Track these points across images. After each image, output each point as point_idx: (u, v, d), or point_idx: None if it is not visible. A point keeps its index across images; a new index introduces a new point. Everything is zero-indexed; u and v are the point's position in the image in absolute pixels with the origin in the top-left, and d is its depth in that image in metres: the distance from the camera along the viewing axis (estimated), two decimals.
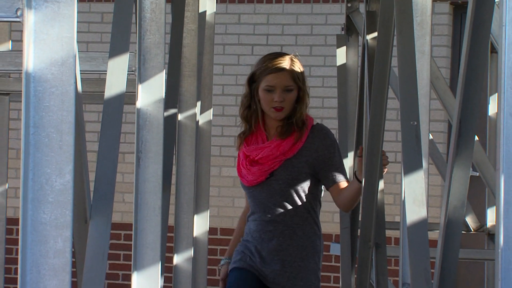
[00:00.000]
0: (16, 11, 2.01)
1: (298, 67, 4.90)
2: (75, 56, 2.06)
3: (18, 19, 2.02)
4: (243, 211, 5.44)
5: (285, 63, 4.83)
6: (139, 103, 3.63)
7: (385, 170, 5.09)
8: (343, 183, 4.99)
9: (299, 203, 4.95)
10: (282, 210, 4.94)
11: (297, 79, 4.83)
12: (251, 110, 4.91)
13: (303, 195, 4.97)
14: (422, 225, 3.47)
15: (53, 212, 2.03)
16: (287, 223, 4.95)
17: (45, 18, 2.01)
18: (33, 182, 2.02)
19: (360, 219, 5.48)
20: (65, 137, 2.03)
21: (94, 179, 3.55)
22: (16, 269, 7.25)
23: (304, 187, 4.96)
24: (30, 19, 2.00)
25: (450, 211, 3.27)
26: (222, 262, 5.36)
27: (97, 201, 3.48)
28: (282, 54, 5.00)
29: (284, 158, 4.90)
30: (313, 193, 5.04)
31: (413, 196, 3.53)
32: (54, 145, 2.03)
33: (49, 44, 2.02)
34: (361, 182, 4.97)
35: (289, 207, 4.95)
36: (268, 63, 4.83)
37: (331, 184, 5.00)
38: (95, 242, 3.46)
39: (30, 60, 2.00)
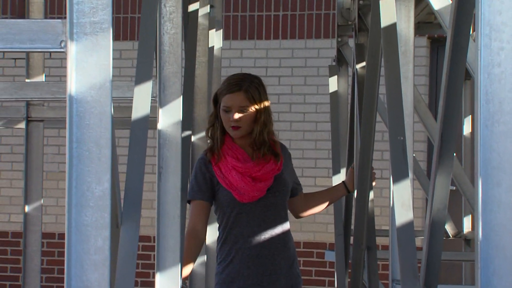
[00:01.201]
0: (60, 43, 2.03)
1: (255, 86, 4.51)
2: (111, 81, 2.10)
3: (62, 50, 2.02)
4: (194, 232, 4.54)
5: (241, 84, 4.48)
6: (160, 125, 3.68)
7: (374, 183, 5.01)
8: (302, 192, 4.84)
9: (285, 214, 4.66)
10: (276, 223, 4.57)
11: (251, 98, 4.46)
12: (214, 127, 4.58)
13: (285, 207, 4.68)
14: (409, 226, 3.51)
15: (93, 215, 2.05)
16: (279, 236, 4.58)
17: (85, 49, 2.02)
18: (76, 189, 2.03)
19: (352, 226, 5.48)
20: (103, 150, 2.04)
21: (123, 190, 3.62)
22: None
23: (286, 199, 4.67)
24: (72, 49, 2.01)
25: (434, 213, 3.29)
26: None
27: (127, 208, 3.51)
28: (240, 76, 4.70)
29: (274, 173, 4.55)
30: (286, 206, 4.72)
31: (401, 201, 3.56)
32: (94, 158, 2.04)
33: (88, 71, 2.03)
34: (349, 192, 4.86)
35: (280, 219, 4.60)
36: (226, 85, 4.54)
37: (298, 192, 4.78)
38: (126, 245, 3.48)
39: (73, 85, 2.01)
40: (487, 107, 2.25)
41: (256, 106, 4.47)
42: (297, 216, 4.94)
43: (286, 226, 4.59)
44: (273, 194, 4.52)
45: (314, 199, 4.92)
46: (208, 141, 4.68)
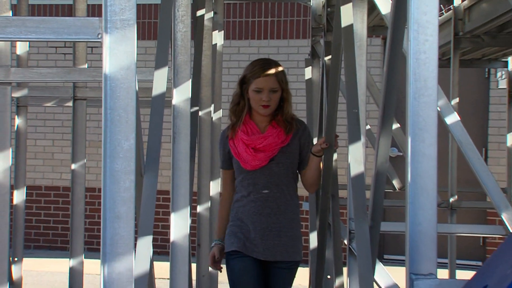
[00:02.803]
0: (98, 35, 2.05)
1: (282, 72, 4.34)
2: (135, 64, 2.11)
3: (99, 40, 2.05)
4: (223, 198, 4.61)
5: (271, 68, 4.27)
6: (174, 101, 3.70)
7: (336, 147, 4.73)
8: None
9: (290, 183, 4.40)
10: (277, 189, 4.33)
11: (281, 82, 4.27)
12: (239, 106, 4.34)
13: (292, 176, 4.41)
14: (361, 176, 3.55)
15: (122, 163, 2.06)
16: (281, 200, 4.34)
17: (116, 39, 2.04)
18: (109, 144, 2.06)
19: (321, 180, 5.46)
20: (129, 115, 2.06)
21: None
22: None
23: (294, 169, 4.41)
24: (106, 40, 2.04)
25: (379, 165, 3.31)
26: (213, 244, 4.59)
27: (148, 162, 3.54)
28: (269, 61, 4.43)
29: (281, 145, 4.31)
30: (296, 175, 4.47)
31: (355, 157, 3.59)
32: (122, 121, 2.06)
33: (118, 56, 2.05)
34: (317, 156, 4.48)
35: (283, 186, 4.36)
36: (258, 68, 4.27)
37: (305, 166, 4.47)
38: (148, 189, 3.51)
39: (107, 67, 2.04)
40: (415, 84, 2.31)
41: (284, 87, 4.33)
42: (307, 189, 4.66)
43: (288, 192, 4.38)
44: (276, 164, 4.32)
45: (305, 172, 4.52)
46: (231, 117, 4.45)
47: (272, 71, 4.25)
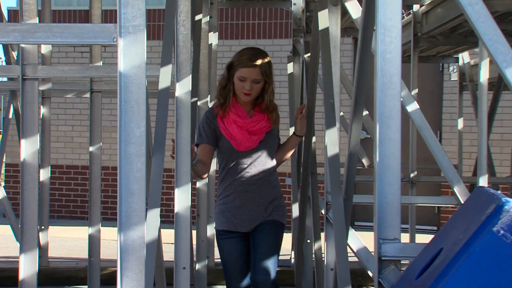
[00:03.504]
0: (113, 39, 2.06)
1: (267, 64, 3.96)
2: (145, 63, 2.11)
3: (114, 43, 2.06)
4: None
5: (257, 60, 3.92)
6: (177, 93, 3.70)
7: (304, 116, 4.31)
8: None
9: (272, 162, 4.08)
10: (262, 168, 4.02)
11: (265, 74, 3.92)
12: (226, 89, 4.00)
13: (273, 156, 4.10)
14: (336, 156, 3.56)
15: (135, 147, 2.07)
16: (265, 178, 4.03)
17: (128, 42, 2.05)
18: (124, 131, 2.07)
19: (302, 159, 5.46)
20: (141, 107, 2.07)
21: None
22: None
23: (275, 149, 4.13)
24: (120, 43, 2.04)
25: (351, 147, 3.33)
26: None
27: (156, 146, 3.55)
28: (257, 52, 4.02)
29: (267, 130, 4.03)
30: (274, 156, 4.14)
31: (331, 140, 3.60)
32: (134, 111, 2.07)
33: (131, 56, 2.06)
34: (300, 137, 4.31)
35: (267, 165, 4.05)
36: (245, 58, 3.93)
37: (279, 145, 4.20)
38: (155, 169, 3.51)
39: (121, 66, 2.05)
40: (382, 79, 2.32)
41: (267, 79, 3.95)
42: (277, 161, 4.20)
43: (271, 169, 4.07)
44: (263, 145, 4.03)
45: (282, 149, 4.27)
46: (216, 99, 4.11)
47: (257, 63, 3.90)
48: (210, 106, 5.75)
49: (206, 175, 4.39)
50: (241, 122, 3.97)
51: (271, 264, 3.91)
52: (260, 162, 4.02)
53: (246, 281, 4.01)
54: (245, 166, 4.01)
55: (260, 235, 3.98)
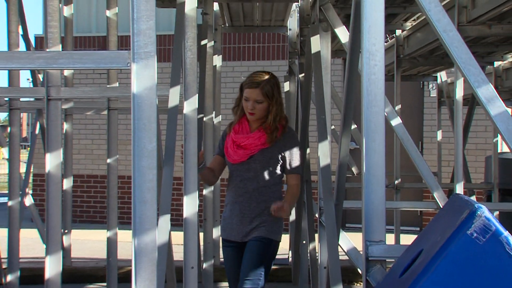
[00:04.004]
0: (127, 64, 2.06)
1: (269, 85, 3.70)
2: (156, 85, 2.12)
3: (128, 67, 2.05)
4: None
5: (259, 82, 3.69)
6: (185, 110, 3.71)
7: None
8: (292, 176, 3.76)
9: (266, 179, 3.72)
10: (252, 182, 3.71)
11: (266, 95, 3.67)
12: (239, 107, 3.77)
13: (270, 173, 3.71)
14: (327, 166, 3.56)
15: (147, 161, 2.06)
16: (254, 192, 3.71)
17: (141, 67, 2.04)
18: (137, 146, 2.06)
19: None
20: (152, 124, 2.06)
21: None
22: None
23: (272, 168, 3.72)
24: (134, 67, 2.04)
25: (341, 158, 3.34)
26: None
27: (166, 158, 3.56)
28: (260, 74, 3.76)
29: (262, 147, 3.70)
30: (278, 173, 3.74)
31: (323, 151, 3.61)
32: (146, 128, 2.05)
33: (143, 79, 2.05)
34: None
35: (259, 180, 3.71)
36: (248, 80, 3.73)
37: (287, 172, 3.75)
38: (166, 179, 3.52)
39: (134, 87, 2.04)
40: (368, 98, 2.32)
41: (269, 100, 3.67)
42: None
43: (264, 185, 3.73)
44: (253, 161, 3.71)
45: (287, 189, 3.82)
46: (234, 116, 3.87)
47: (259, 84, 3.68)
48: (215, 122, 5.72)
49: (214, 183, 4.18)
50: (235, 137, 3.76)
51: (253, 275, 3.65)
52: (250, 176, 3.74)
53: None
54: (238, 178, 3.77)
55: (246, 253, 3.72)
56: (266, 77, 3.71)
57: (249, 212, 3.73)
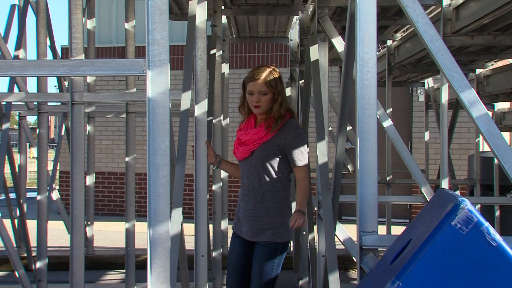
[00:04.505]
0: (143, 71, 2.06)
1: (272, 76, 3.42)
2: (169, 90, 2.11)
3: (143, 74, 2.05)
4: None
5: (262, 74, 3.40)
6: (195, 113, 3.71)
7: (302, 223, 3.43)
8: (297, 169, 3.39)
9: (270, 175, 3.36)
10: (256, 180, 3.39)
11: (269, 85, 3.37)
12: (244, 105, 3.48)
13: (272, 169, 3.36)
14: (325, 164, 3.54)
15: (161, 159, 2.05)
16: (258, 190, 3.38)
17: (155, 73, 2.03)
18: (152, 146, 2.05)
19: None
20: (165, 125, 2.04)
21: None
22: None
23: (274, 164, 3.37)
24: (149, 74, 2.03)
25: (338, 156, 3.32)
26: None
27: (179, 156, 3.53)
28: (262, 68, 3.46)
29: (261, 142, 3.37)
30: (282, 169, 3.39)
31: (321, 151, 3.59)
32: (160, 129, 2.05)
33: (157, 84, 2.04)
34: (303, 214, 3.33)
35: (261, 178, 3.37)
36: (250, 74, 3.44)
37: (292, 165, 3.38)
38: (178, 176, 3.50)
39: (150, 92, 2.03)
40: (362, 101, 2.31)
41: (273, 90, 3.38)
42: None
43: (267, 183, 3.38)
44: (255, 156, 3.38)
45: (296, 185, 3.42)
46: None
47: (261, 75, 3.40)
48: (223, 124, 5.72)
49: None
50: (238, 134, 3.50)
51: (261, 283, 3.39)
52: (253, 173, 3.41)
53: (239, 281, 3.53)
54: (244, 176, 3.48)
55: (255, 258, 3.43)
56: (268, 69, 3.45)
57: (253, 211, 3.43)
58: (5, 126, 5.72)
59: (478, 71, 6.92)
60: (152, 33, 2.02)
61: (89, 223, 7.14)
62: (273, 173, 3.38)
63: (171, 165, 3.18)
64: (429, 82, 8.20)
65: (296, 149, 3.38)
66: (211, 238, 5.99)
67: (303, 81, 5.59)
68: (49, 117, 7.24)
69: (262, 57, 11.25)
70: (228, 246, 4.86)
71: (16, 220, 6.92)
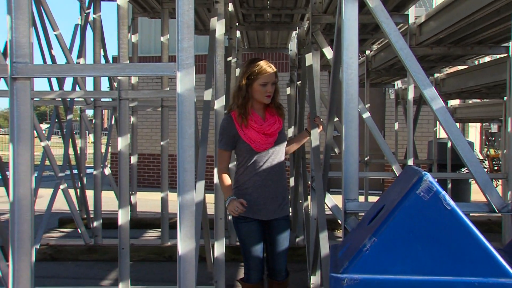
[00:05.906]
0: (174, 72, 2.03)
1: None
2: (194, 87, 2.08)
3: (174, 74, 2.02)
4: (222, 170, 3.02)
5: (272, 67, 2.99)
6: (215, 106, 3.70)
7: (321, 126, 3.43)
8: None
9: (282, 156, 3.05)
10: (276, 165, 3.00)
11: (277, 77, 3.02)
12: (245, 99, 2.98)
13: (284, 150, 3.07)
14: (317, 147, 3.52)
15: (187, 141, 2.03)
16: (278, 173, 3.01)
17: (184, 74, 2.01)
18: (181, 131, 2.02)
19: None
20: (191, 115, 2.02)
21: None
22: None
23: (283, 148, 3.07)
24: (178, 74, 2.01)
25: (327, 141, 3.30)
26: (229, 200, 2.93)
27: (202, 140, 3.44)
28: (261, 59, 3.03)
29: (279, 129, 3.01)
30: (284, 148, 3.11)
31: (314, 136, 3.52)
32: (187, 118, 2.02)
33: (185, 83, 2.02)
34: (309, 133, 3.37)
35: (280, 162, 3.02)
36: (262, 68, 2.96)
37: (287, 139, 3.11)
38: (201, 155, 3.40)
39: (179, 89, 2.01)
40: (346, 97, 2.28)
41: (277, 81, 3.02)
42: (286, 152, 3.16)
43: (281, 165, 3.04)
44: (278, 144, 3.00)
45: (293, 142, 3.33)
46: (236, 109, 3.01)
47: (273, 68, 3.01)
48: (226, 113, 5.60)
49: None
50: (257, 127, 2.97)
51: (285, 256, 3.08)
52: (274, 159, 3.01)
53: (261, 260, 3.02)
54: (262, 163, 2.98)
55: (277, 231, 3.04)
56: (268, 61, 3.04)
57: (275, 194, 3.02)
58: (69, 117, 5.73)
59: (436, 75, 6.90)
60: (181, 42, 2.00)
61: (133, 193, 7.15)
62: (283, 154, 3.08)
63: (195, 147, 3.16)
64: (399, 83, 8.18)
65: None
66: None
67: (300, 82, 5.55)
68: (103, 110, 7.24)
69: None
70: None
71: (78, 190, 6.95)
